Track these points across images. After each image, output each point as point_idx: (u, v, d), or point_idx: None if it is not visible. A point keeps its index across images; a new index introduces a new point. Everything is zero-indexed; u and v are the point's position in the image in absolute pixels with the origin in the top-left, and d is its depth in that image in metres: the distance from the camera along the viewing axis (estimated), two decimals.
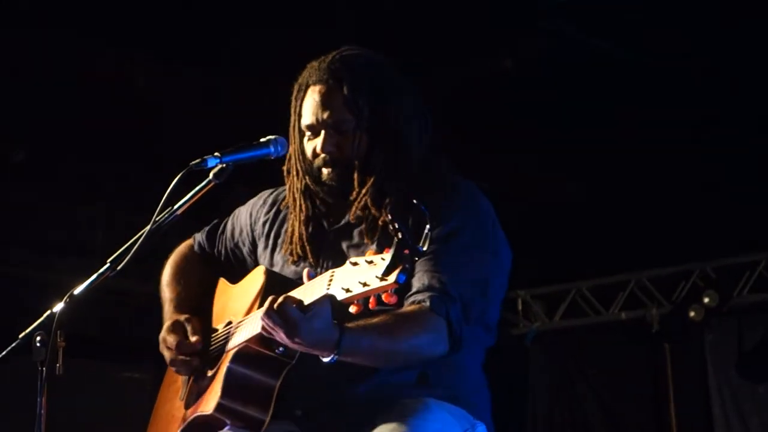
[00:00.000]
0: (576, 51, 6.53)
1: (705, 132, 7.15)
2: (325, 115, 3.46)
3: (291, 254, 3.54)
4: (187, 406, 3.54)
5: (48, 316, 3.28)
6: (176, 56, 6.36)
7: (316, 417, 3.41)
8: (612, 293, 9.01)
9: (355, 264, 2.91)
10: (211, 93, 6.70)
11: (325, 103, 3.46)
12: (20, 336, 3.31)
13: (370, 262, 2.87)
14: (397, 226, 2.80)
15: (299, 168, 3.56)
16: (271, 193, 3.77)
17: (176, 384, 3.68)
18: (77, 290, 3.33)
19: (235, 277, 3.68)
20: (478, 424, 3.45)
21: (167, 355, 3.55)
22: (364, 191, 3.45)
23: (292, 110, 3.56)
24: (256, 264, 3.66)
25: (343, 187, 3.48)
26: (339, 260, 3.34)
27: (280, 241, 3.63)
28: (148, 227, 3.29)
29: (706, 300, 8.35)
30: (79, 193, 7.13)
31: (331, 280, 2.98)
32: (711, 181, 7.50)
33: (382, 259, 2.84)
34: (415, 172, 3.49)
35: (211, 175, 3.32)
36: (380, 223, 3.43)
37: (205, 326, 3.61)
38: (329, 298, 3.00)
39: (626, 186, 7.75)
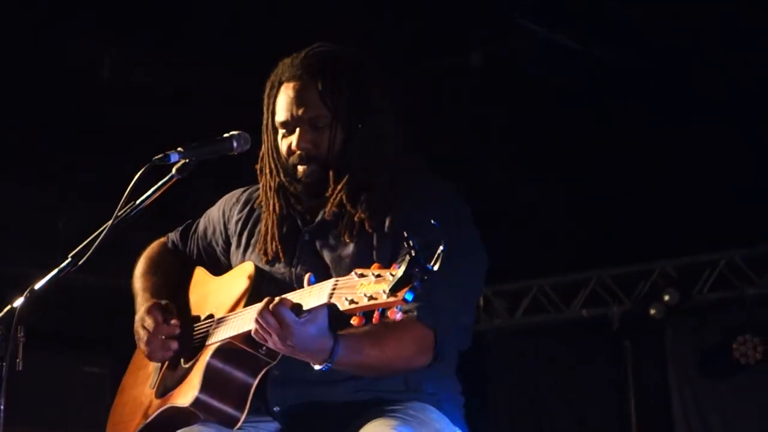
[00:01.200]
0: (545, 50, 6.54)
1: (666, 131, 7.19)
2: (300, 111, 3.42)
3: (265, 254, 3.51)
4: (158, 395, 3.51)
5: (8, 310, 3.25)
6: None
7: (296, 414, 3.40)
8: (573, 291, 9.03)
9: (361, 275, 2.87)
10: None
11: (299, 99, 3.42)
12: None
13: (378, 276, 2.83)
14: (411, 243, 2.77)
15: (273, 166, 3.52)
16: (244, 191, 3.73)
17: (146, 369, 3.63)
18: (38, 285, 3.30)
19: (211, 269, 3.65)
20: (459, 430, 3.46)
21: (143, 336, 3.51)
22: (339, 187, 3.42)
23: (265, 108, 3.52)
24: (230, 263, 3.62)
25: (319, 184, 3.44)
26: (313, 260, 3.35)
27: (253, 240, 3.59)
28: (110, 221, 3.27)
29: (667, 298, 8.39)
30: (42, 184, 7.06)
31: (334, 289, 2.94)
32: (672, 181, 7.54)
33: (391, 274, 2.80)
34: (392, 167, 3.47)
35: (173, 170, 3.31)
36: (356, 219, 3.40)
37: (182, 315, 3.59)
38: (329, 307, 2.97)
39: (588, 184, 7.77)
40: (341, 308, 2.91)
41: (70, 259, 3.31)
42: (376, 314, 2.85)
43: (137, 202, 3.32)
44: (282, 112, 3.46)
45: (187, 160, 3.31)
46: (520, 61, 6.73)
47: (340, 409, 3.37)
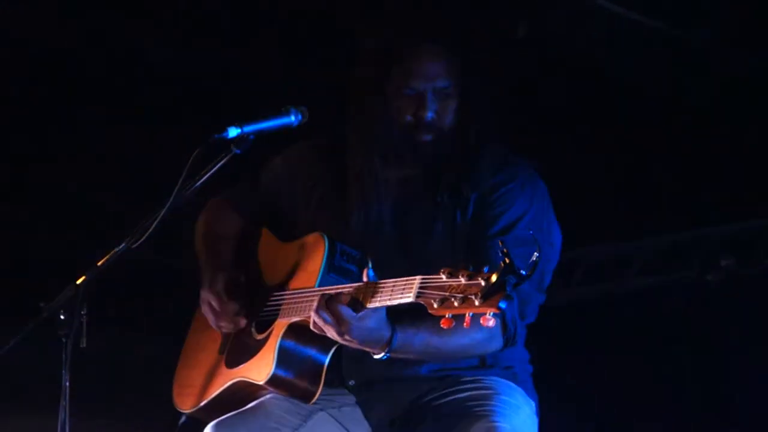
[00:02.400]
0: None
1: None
2: (436, 79, 3.41)
3: (343, 218, 3.49)
4: (228, 363, 3.52)
5: (72, 289, 3.27)
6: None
7: (372, 388, 3.41)
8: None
9: (450, 275, 2.84)
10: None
11: (437, 66, 3.41)
12: (44, 309, 3.31)
13: (471, 279, 2.81)
14: (506, 251, 2.76)
15: (380, 130, 3.47)
16: (312, 149, 3.69)
17: (213, 331, 3.63)
18: (99, 264, 3.32)
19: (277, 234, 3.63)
20: (532, 401, 3.46)
21: (210, 314, 3.52)
22: (460, 164, 3.42)
23: (377, 68, 3.48)
24: (296, 222, 3.58)
25: (434, 155, 3.41)
26: (394, 234, 3.34)
27: (328, 202, 3.57)
28: (170, 200, 3.27)
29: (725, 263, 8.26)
30: None
31: (422, 288, 2.91)
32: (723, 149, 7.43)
33: (485, 279, 2.77)
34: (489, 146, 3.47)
35: (232, 145, 3.31)
36: (461, 199, 3.40)
37: (251, 281, 3.57)
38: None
39: (632, 154, 7.68)
40: (430, 310, 2.89)
41: (129, 238, 3.32)
42: (467, 318, 2.83)
43: (195, 180, 3.32)
44: (410, 81, 3.41)
45: (246, 135, 3.30)
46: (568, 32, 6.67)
47: (418, 384, 3.37)
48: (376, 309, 3.01)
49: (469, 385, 3.39)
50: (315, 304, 3.07)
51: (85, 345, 3.26)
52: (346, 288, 3.10)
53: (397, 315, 3.11)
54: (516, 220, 3.33)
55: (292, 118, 3.35)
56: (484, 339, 3.26)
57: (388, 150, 3.43)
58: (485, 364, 3.43)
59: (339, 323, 3.03)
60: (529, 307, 3.37)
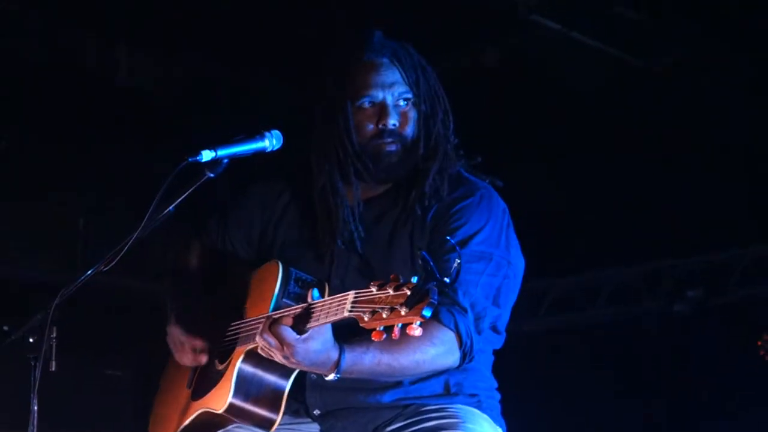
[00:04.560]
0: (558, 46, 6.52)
1: (681, 130, 7.15)
2: (390, 90, 3.40)
3: (308, 246, 3.48)
4: (194, 396, 3.50)
5: (41, 312, 3.24)
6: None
7: (336, 417, 3.38)
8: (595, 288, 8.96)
9: (380, 288, 2.84)
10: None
11: (388, 77, 3.41)
12: (12, 333, 3.29)
13: (398, 290, 2.79)
14: (425, 258, 2.75)
15: (342, 148, 3.44)
16: (279, 181, 3.67)
17: (184, 368, 3.62)
18: (70, 287, 3.29)
19: (245, 265, 3.63)
20: (500, 429, 3.44)
21: (173, 349, 3.50)
22: (431, 175, 3.41)
23: (334, 87, 3.47)
24: (266, 256, 3.58)
25: (398, 167, 3.42)
26: (355, 255, 3.33)
27: (292, 234, 3.56)
28: (143, 222, 3.24)
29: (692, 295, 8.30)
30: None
31: (354, 302, 2.90)
32: (693, 177, 7.47)
33: (409, 289, 2.76)
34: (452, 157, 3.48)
35: (205, 169, 3.28)
36: (425, 210, 3.40)
37: (216, 313, 3.56)
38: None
39: (606, 183, 7.72)
40: (362, 324, 2.86)
41: (100, 261, 3.29)
42: (395, 329, 2.80)
43: (167, 203, 3.29)
44: (368, 90, 3.40)
45: (220, 159, 3.28)
46: (537, 59, 6.71)
47: (381, 413, 3.35)
48: (319, 330, 2.98)
49: (433, 414, 3.35)
50: (260, 327, 3.06)
51: (54, 368, 3.23)
52: (291, 311, 3.08)
53: (356, 334, 3.08)
54: (472, 235, 3.31)
55: (266, 143, 3.32)
56: (438, 354, 3.20)
57: (350, 167, 3.42)
58: (449, 391, 3.39)
59: (283, 346, 3.01)
60: (484, 321, 3.34)
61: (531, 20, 6.29)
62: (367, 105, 3.42)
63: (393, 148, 3.40)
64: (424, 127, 3.42)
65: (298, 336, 3.01)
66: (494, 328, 3.45)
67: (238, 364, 3.32)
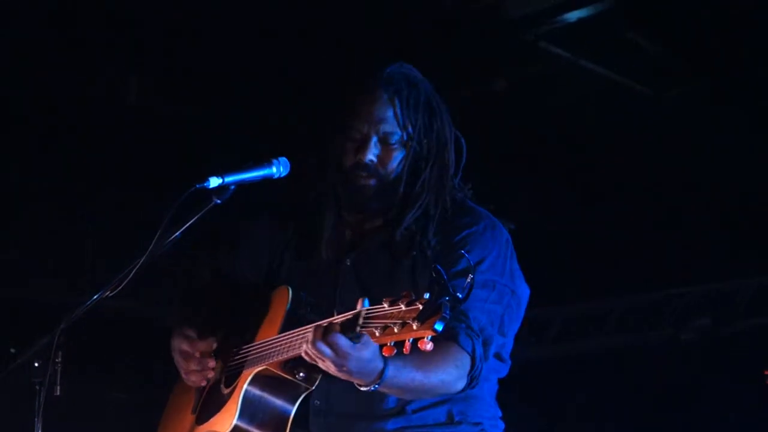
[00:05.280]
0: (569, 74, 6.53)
1: (688, 158, 7.14)
2: (375, 126, 3.42)
3: (308, 273, 3.50)
4: (198, 421, 3.50)
5: (47, 336, 3.25)
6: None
7: None
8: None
9: (392, 304, 2.86)
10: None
11: (376, 113, 3.43)
12: (19, 356, 3.29)
13: (410, 305, 2.82)
14: (440, 272, 2.76)
15: (331, 175, 3.50)
16: (283, 211, 3.71)
17: (188, 394, 3.62)
18: (76, 312, 3.30)
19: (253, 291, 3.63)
20: None
21: (179, 359, 3.50)
22: (410, 212, 3.42)
23: (332, 115, 3.52)
24: (272, 284, 3.60)
25: (374, 201, 3.45)
26: (355, 283, 3.34)
27: (295, 261, 3.58)
28: (149, 248, 3.25)
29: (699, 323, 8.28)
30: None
31: (366, 318, 2.92)
32: (701, 205, 7.47)
33: (421, 304, 2.78)
34: (448, 195, 3.48)
35: (213, 195, 3.29)
36: (413, 245, 3.41)
37: (224, 337, 3.57)
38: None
39: (614, 209, 7.71)
40: (373, 339, 2.90)
41: (106, 286, 3.30)
42: (407, 344, 2.83)
43: (174, 230, 3.31)
44: (355, 123, 3.44)
45: (227, 186, 3.29)
46: (545, 86, 6.72)
47: None
48: (369, 339, 2.96)
49: None
50: (311, 335, 3.05)
51: (59, 393, 3.23)
52: (337, 319, 3.05)
53: None
54: (476, 263, 3.33)
55: (274, 169, 3.34)
56: (458, 377, 3.23)
57: (331, 194, 3.45)
58: (453, 420, 3.40)
59: (338, 354, 2.99)
60: (490, 349, 3.35)
61: (540, 47, 6.30)
62: (351, 135, 3.44)
63: (366, 182, 3.42)
64: (412, 168, 3.41)
65: (353, 344, 3.00)
66: (499, 356, 3.47)
67: (245, 387, 3.32)
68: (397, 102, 3.42)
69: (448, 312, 2.77)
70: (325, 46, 5.96)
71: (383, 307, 2.89)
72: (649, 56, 6.40)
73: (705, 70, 6.47)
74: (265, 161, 3.37)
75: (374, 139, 3.42)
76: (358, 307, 3.04)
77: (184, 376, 3.53)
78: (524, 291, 3.53)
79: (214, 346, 3.49)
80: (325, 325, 3.04)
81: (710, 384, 7.73)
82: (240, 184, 3.32)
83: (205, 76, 6.34)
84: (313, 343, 3.01)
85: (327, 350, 3.00)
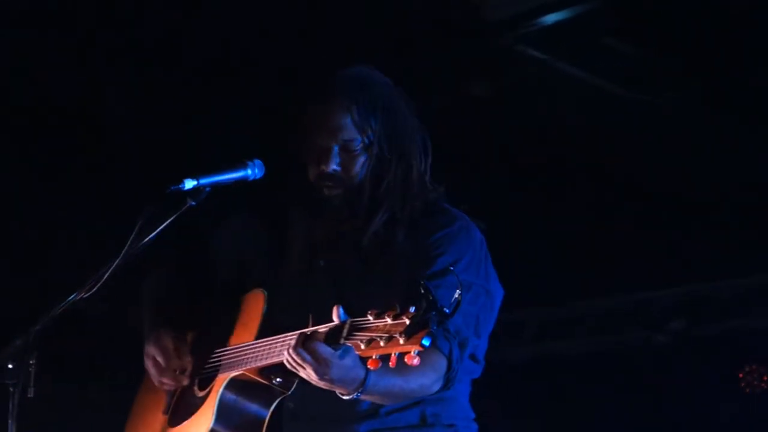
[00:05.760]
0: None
1: (664, 165, 7.17)
2: (333, 134, 3.41)
3: (280, 278, 3.49)
4: (171, 423, 3.50)
5: (21, 338, 3.24)
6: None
7: None
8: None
9: (378, 317, 2.86)
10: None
11: (333, 122, 3.41)
12: None
13: (396, 319, 2.82)
14: (427, 287, 2.77)
15: (300, 185, 3.50)
16: (255, 213, 3.71)
17: (159, 393, 3.61)
18: (50, 313, 3.29)
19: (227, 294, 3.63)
20: None
21: (152, 368, 3.49)
22: (376, 217, 3.42)
23: (298, 126, 3.51)
24: (245, 285, 3.59)
25: (344, 209, 3.44)
26: (329, 289, 3.34)
27: (268, 263, 3.58)
28: (124, 250, 3.25)
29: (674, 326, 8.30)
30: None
31: (352, 330, 2.93)
32: (677, 209, 7.50)
33: (408, 318, 2.79)
34: (417, 196, 3.47)
35: (187, 197, 3.29)
36: (386, 250, 3.41)
37: (196, 339, 3.56)
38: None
39: (590, 214, 7.73)
40: (357, 352, 2.90)
41: (80, 288, 3.30)
42: (393, 358, 2.84)
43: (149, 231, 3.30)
44: (315, 134, 3.44)
45: (202, 187, 3.29)
46: (523, 88, 6.73)
47: None
48: (350, 347, 2.97)
49: None
50: (293, 342, 3.05)
51: (32, 395, 3.22)
52: (321, 328, 3.06)
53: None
54: (452, 264, 3.35)
55: (249, 172, 3.35)
56: (436, 379, 3.25)
57: (308, 204, 3.46)
58: (426, 422, 3.40)
59: (319, 362, 3.01)
60: (466, 350, 3.37)
61: (517, 50, 6.31)
62: (312, 147, 3.44)
63: (332, 192, 3.42)
64: (376, 172, 3.43)
65: (335, 351, 3.01)
66: (473, 358, 3.48)
67: (221, 391, 3.32)
68: (354, 108, 3.41)
69: (435, 327, 2.78)
70: (299, 53, 5.95)
71: (368, 320, 2.89)
72: (627, 59, 6.41)
73: (685, 73, 6.49)
74: (240, 163, 3.38)
75: (335, 148, 3.41)
76: (334, 316, 3.04)
77: (155, 382, 3.52)
78: (498, 291, 3.54)
79: (189, 366, 3.48)
80: (308, 333, 3.04)
81: (686, 387, 7.77)
82: (215, 186, 3.32)
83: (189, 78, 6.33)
84: (296, 351, 3.02)
85: (309, 358, 3.01)
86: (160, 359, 3.48)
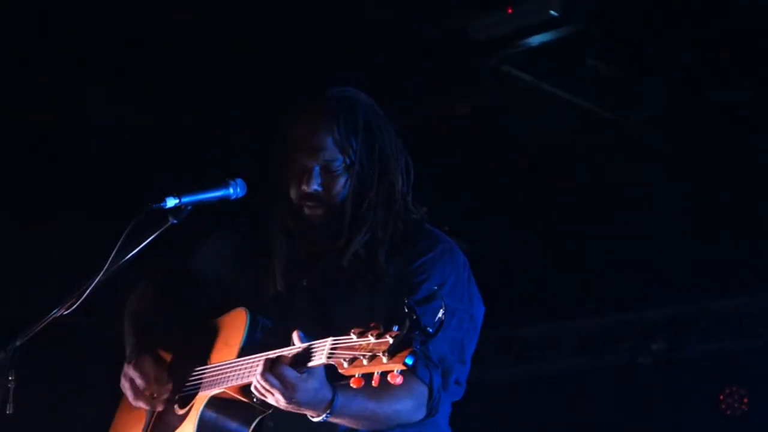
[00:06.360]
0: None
1: (649, 182, 7.20)
2: (314, 155, 3.41)
3: (261, 297, 3.49)
4: None
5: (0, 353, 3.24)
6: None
7: None
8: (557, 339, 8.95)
9: (361, 335, 2.87)
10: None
11: (314, 142, 3.42)
12: None
13: (380, 338, 2.83)
14: (412, 307, 2.78)
15: (281, 205, 3.49)
16: (238, 231, 3.71)
17: (139, 411, 3.60)
18: (30, 329, 3.28)
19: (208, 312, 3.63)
20: None
21: (130, 391, 3.49)
22: (357, 237, 3.42)
23: (279, 145, 3.51)
24: (225, 304, 3.57)
25: (325, 230, 3.44)
26: (311, 309, 3.35)
27: (249, 282, 3.57)
28: (105, 267, 3.25)
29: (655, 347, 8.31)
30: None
31: (333, 349, 2.94)
32: (661, 228, 7.52)
33: (392, 337, 2.80)
34: (398, 216, 3.47)
35: (169, 215, 3.30)
36: (366, 271, 3.41)
37: (176, 357, 3.56)
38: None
39: (573, 235, 7.75)
40: (340, 370, 2.90)
41: (61, 304, 3.29)
42: (376, 376, 2.84)
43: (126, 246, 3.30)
44: (297, 154, 3.44)
45: (184, 206, 3.30)
46: (507, 109, 6.76)
47: None
48: (316, 369, 3.00)
49: None
50: (260, 368, 3.05)
51: (11, 411, 3.22)
52: (290, 350, 3.08)
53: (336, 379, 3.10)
54: (437, 290, 3.32)
55: (231, 191, 3.36)
56: (414, 407, 3.25)
57: (289, 225, 3.46)
58: None
59: (285, 386, 3.02)
60: (451, 377, 3.38)
61: (502, 70, 6.34)
62: (294, 167, 3.45)
63: (314, 212, 3.43)
64: (357, 191, 3.43)
65: (299, 375, 3.02)
66: (457, 382, 3.48)
67: (201, 409, 3.32)
68: (335, 128, 3.41)
69: (418, 346, 2.79)
70: (283, 72, 5.97)
71: (351, 339, 2.89)
72: (610, 81, 6.45)
73: (665, 95, 6.53)
74: (222, 182, 3.38)
75: (316, 168, 3.41)
76: (295, 341, 3.06)
77: (131, 401, 3.51)
78: (480, 312, 3.54)
79: (167, 394, 3.47)
80: (273, 357, 3.05)
81: (666, 408, 7.78)
82: (196, 205, 3.33)
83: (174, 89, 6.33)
84: (262, 375, 3.03)
85: (276, 382, 3.02)
86: (138, 383, 3.46)
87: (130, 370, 3.50)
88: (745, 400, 7.76)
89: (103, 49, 5.96)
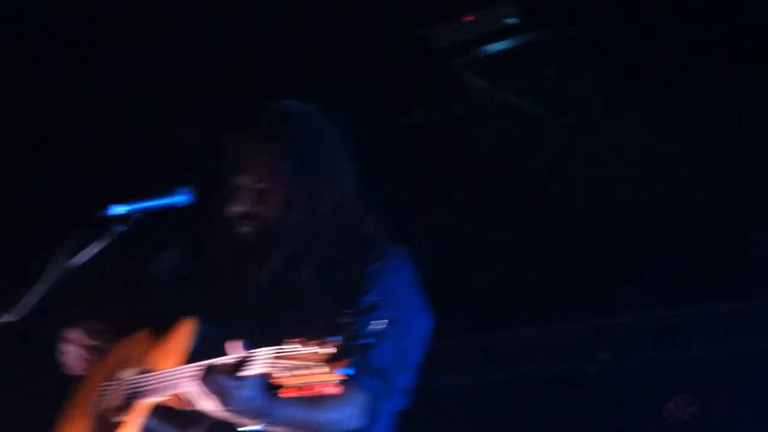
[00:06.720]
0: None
1: (609, 191, 7.23)
2: (247, 172, 3.45)
3: (204, 309, 3.51)
4: None
5: None
6: None
7: None
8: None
9: (299, 345, 2.90)
10: None
11: (247, 158, 3.46)
12: None
13: (320, 347, 2.87)
14: (353, 317, 2.82)
15: (219, 220, 3.54)
16: (186, 243, 3.76)
17: (81, 419, 3.62)
18: None
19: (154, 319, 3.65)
20: None
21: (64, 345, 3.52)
22: (278, 254, 3.45)
23: (218, 162, 3.55)
24: (170, 316, 3.61)
25: (258, 246, 3.48)
26: (252, 321, 3.37)
27: (193, 295, 3.61)
28: (52, 275, 3.27)
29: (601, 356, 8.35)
30: None
31: (273, 357, 2.96)
32: (619, 238, 7.54)
33: (332, 347, 2.84)
34: (336, 231, 3.49)
35: (117, 223, 3.32)
36: (292, 286, 3.44)
37: (117, 364, 3.58)
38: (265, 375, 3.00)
39: (533, 240, 7.77)
40: (280, 380, 2.94)
41: (10, 313, 3.31)
42: (315, 385, 2.89)
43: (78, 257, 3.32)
44: (228, 173, 3.49)
45: (132, 214, 3.33)
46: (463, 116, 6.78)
47: None
48: (253, 378, 3.04)
49: None
50: (199, 375, 3.09)
51: None
52: (227, 359, 3.12)
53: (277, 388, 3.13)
54: (380, 301, 3.39)
55: (179, 198, 3.39)
56: (352, 415, 3.29)
57: (227, 242, 3.50)
58: None
59: (220, 393, 3.06)
60: (393, 386, 3.41)
61: (458, 78, 6.37)
62: (228, 185, 3.49)
63: (246, 229, 3.46)
64: (299, 209, 3.46)
65: (235, 382, 3.05)
66: (399, 391, 3.52)
67: (145, 417, 3.34)
68: (273, 145, 3.46)
69: (358, 356, 2.84)
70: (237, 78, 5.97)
71: (292, 348, 2.93)
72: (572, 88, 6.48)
73: (628, 99, 6.56)
74: (169, 190, 3.42)
75: (246, 188, 3.46)
76: (236, 349, 3.10)
77: (72, 360, 3.54)
78: (428, 322, 3.58)
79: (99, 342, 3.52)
80: (212, 365, 3.09)
81: (612, 417, 7.81)
82: (145, 212, 3.36)
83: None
84: (200, 383, 3.08)
85: (212, 386, 3.06)
86: (73, 339, 3.49)
87: (75, 332, 3.54)
88: (690, 409, 7.80)
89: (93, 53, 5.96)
